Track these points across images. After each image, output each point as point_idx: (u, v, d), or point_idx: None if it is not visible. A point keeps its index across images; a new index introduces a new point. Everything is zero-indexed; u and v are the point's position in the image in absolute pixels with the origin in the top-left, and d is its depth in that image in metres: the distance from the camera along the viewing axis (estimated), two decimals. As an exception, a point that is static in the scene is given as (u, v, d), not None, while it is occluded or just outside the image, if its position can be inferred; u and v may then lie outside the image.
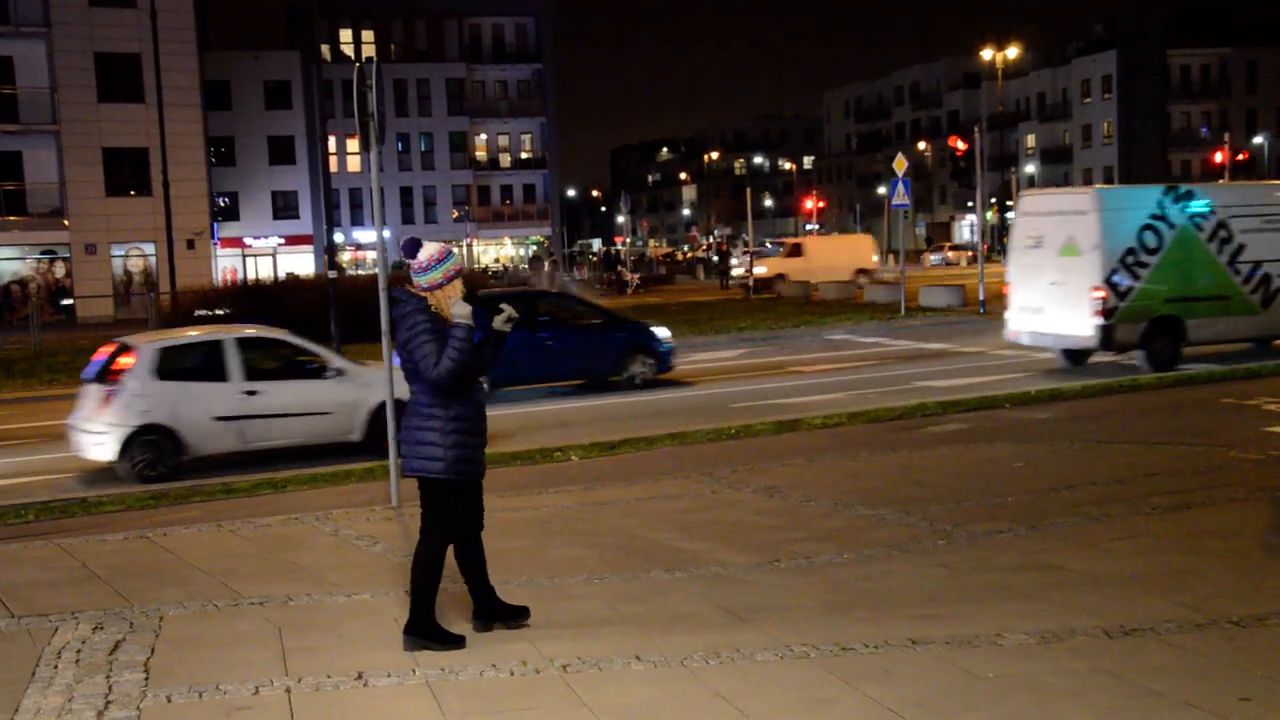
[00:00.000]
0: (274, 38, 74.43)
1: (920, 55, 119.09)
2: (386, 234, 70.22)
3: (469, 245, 75.56)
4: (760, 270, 47.50)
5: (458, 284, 6.41)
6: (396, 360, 7.24)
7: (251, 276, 58.80)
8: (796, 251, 49.98)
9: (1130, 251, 17.98)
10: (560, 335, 19.59)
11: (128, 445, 13.38)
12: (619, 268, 57.14)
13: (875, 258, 49.38)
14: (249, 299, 31.11)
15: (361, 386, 14.47)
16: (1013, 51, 73.57)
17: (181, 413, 13.60)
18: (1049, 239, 18.82)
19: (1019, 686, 5.70)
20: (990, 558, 8.06)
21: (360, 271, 61.50)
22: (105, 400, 13.50)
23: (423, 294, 6.39)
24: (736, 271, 51.42)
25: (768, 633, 6.63)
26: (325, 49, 71.80)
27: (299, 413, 14.25)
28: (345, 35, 74.99)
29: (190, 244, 47.31)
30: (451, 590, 7.23)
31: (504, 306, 6.48)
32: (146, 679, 6.22)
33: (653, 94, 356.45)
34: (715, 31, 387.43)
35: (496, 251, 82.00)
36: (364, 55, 69.55)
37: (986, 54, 72.47)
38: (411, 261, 6.43)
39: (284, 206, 71.26)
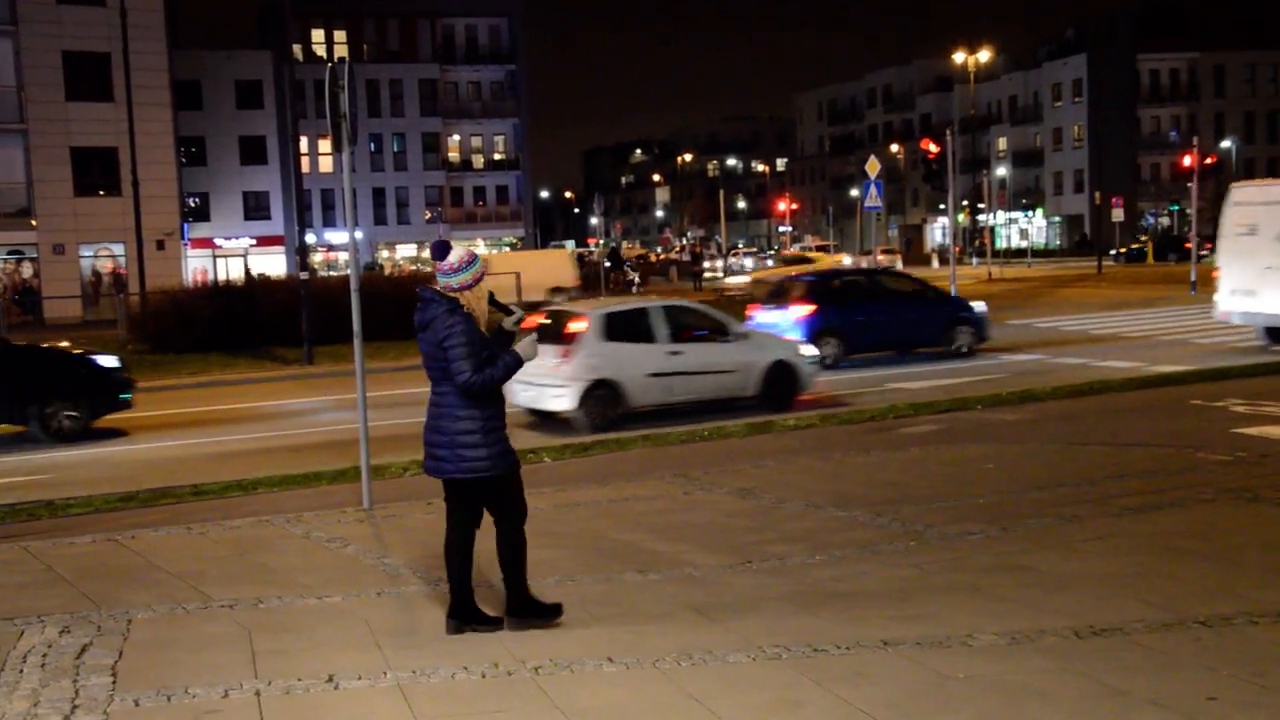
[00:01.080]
0: (245, 37, 74.28)
1: (893, 58, 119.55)
2: (358, 235, 69.95)
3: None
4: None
5: (485, 285, 6.54)
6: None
7: (222, 277, 58.50)
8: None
9: None
10: (899, 308, 22.60)
11: (584, 397, 15.48)
12: (625, 267, 58.40)
13: (573, 274, 46.34)
14: (220, 300, 30.92)
15: (756, 349, 16.88)
16: (984, 55, 73.96)
17: (623, 369, 15.76)
18: (1264, 227, 20.62)
19: (989, 687, 5.72)
20: (961, 559, 8.09)
21: (332, 273, 61.33)
22: (563, 358, 15.49)
23: (453, 294, 6.48)
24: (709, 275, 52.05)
25: (740, 634, 6.64)
26: (297, 49, 71.49)
27: (711, 371, 16.44)
28: (318, 35, 74.69)
29: (160, 245, 47.01)
30: (433, 590, 7.20)
31: (514, 309, 6.78)
32: (114, 683, 6.17)
33: (626, 96, 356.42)
34: (688, 33, 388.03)
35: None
36: (336, 55, 69.38)
37: (958, 57, 72.78)
38: (440, 263, 6.51)
39: (255, 207, 70.90)
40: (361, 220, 73.30)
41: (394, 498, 10.99)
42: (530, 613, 6.84)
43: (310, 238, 68.71)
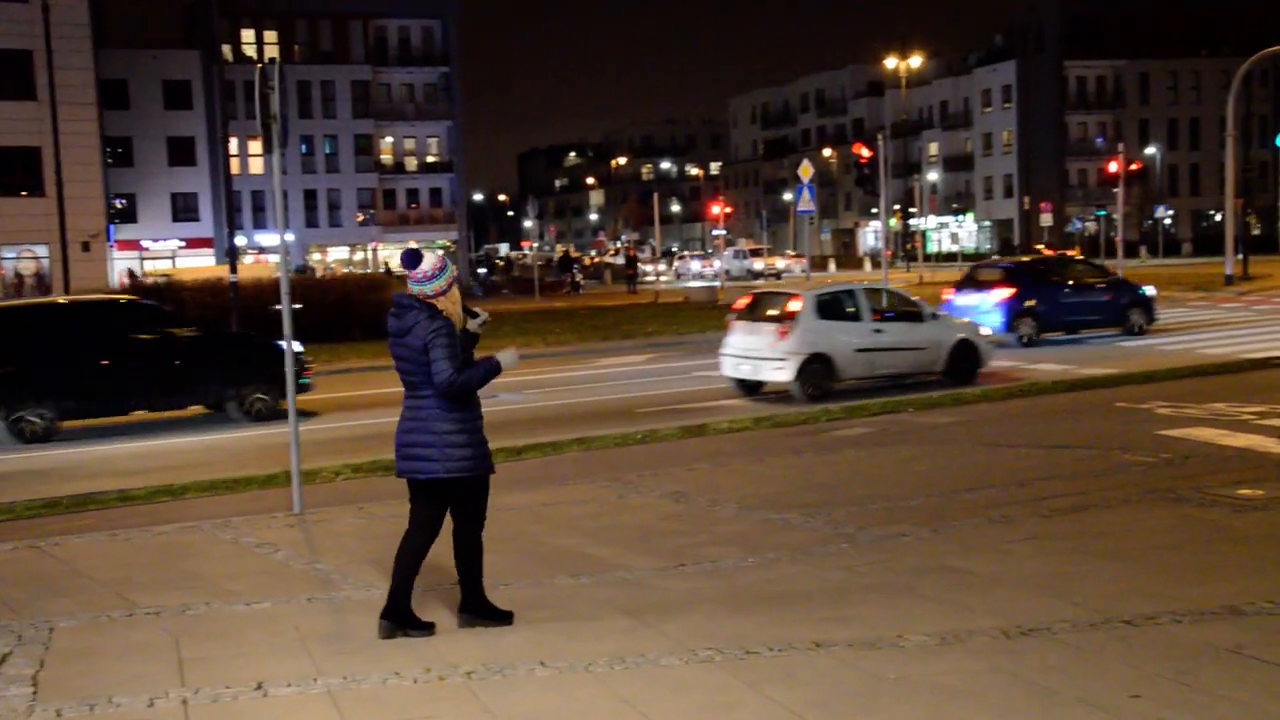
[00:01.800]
0: (173, 36, 73.00)
1: (825, 63, 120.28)
2: (289, 237, 69.27)
3: (374, 249, 74.88)
4: None
5: (456, 290, 6.73)
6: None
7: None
8: None
9: None
10: (1087, 291, 24.59)
11: (801, 370, 17.30)
12: (574, 270, 59.58)
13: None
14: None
15: (946, 329, 18.60)
16: (916, 61, 74.83)
17: (835, 344, 17.59)
18: None
19: (919, 687, 5.76)
20: (892, 560, 8.16)
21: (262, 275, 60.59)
22: (782, 335, 17.48)
23: (429, 300, 6.64)
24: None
25: (673, 637, 6.64)
26: (227, 49, 70.69)
27: (907, 348, 18.24)
28: (247, 35, 73.84)
29: (85, 246, 46.20)
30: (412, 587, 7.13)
31: (479, 312, 6.95)
32: (35, 693, 6.05)
33: (560, 99, 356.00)
34: (622, 36, 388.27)
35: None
36: (267, 56, 68.51)
37: (890, 63, 73.59)
38: (412, 271, 6.66)
39: (184, 208, 69.97)
40: (293, 222, 72.62)
41: (325, 503, 10.89)
42: (486, 615, 6.94)
43: (240, 240, 67.95)
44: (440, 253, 6.93)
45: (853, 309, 18.04)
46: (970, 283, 25.30)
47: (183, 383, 17.41)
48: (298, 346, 17.56)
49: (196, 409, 18.09)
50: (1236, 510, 9.14)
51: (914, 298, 19.49)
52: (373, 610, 7.41)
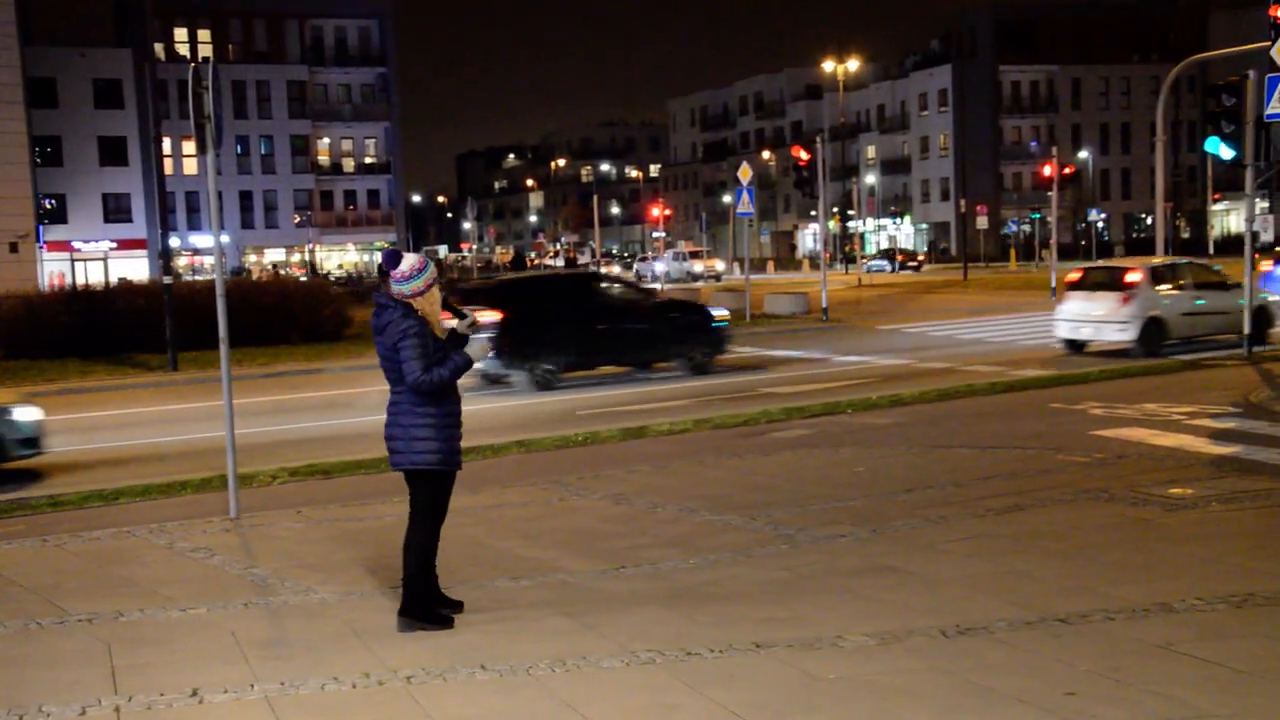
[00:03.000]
0: (103, 34, 72.00)
1: (764, 66, 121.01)
2: (224, 239, 68.48)
3: (311, 251, 74.23)
4: None
5: (436, 291, 6.86)
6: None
7: (81, 281, 56.78)
8: None
9: None
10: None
11: (1142, 331, 20.65)
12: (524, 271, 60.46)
13: None
14: (78, 304, 29.93)
15: (1242, 295, 20.46)
16: (853, 65, 75.45)
17: (1167, 309, 20.93)
18: None
19: (859, 687, 5.80)
20: (832, 561, 8.20)
21: (198, 277, 59.89)
22: (1124, 301, 20.76)
23: (406, 300, 6.79)
24: None
25: (614, 639, 6.64)
26: (159, 47, 69.71)
27: (1218, 312, 21.36)
28: (180, 34, 72.93)
29: (13, 247, 45.43)
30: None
31: (467, 312, 7.10)
32: (-36, 703, 5.93)
33: (499, 100, 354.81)
34: (561, 38, 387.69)
35: (340, 257, 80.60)
36: (200, 55, 67.77)
37: (828, 66, 74.09)
38: (392, 272, 6.83)
39: (116, 209, 68.98)
40: (228, 224, 71.81)
41: (262, 506, 10.77)
42: (422, 617, 6.96)
43: (174, 241, 67.08)
44: (422, 255, 7.02)
45: (1178, 279, 21.28)
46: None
47: (649, 341, 20.99)
48: (724, 313, 22.50)
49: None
50: (1168, 509, 9.29)
51: (1220, 270, 22.73)
52: (311, 615, 7.36)
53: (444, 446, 6.88)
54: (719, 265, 73.05)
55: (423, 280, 6.77)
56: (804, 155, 36.17)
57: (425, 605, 6.97)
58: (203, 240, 71.84)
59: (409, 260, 6.84)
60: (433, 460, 6.87)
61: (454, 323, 7.03)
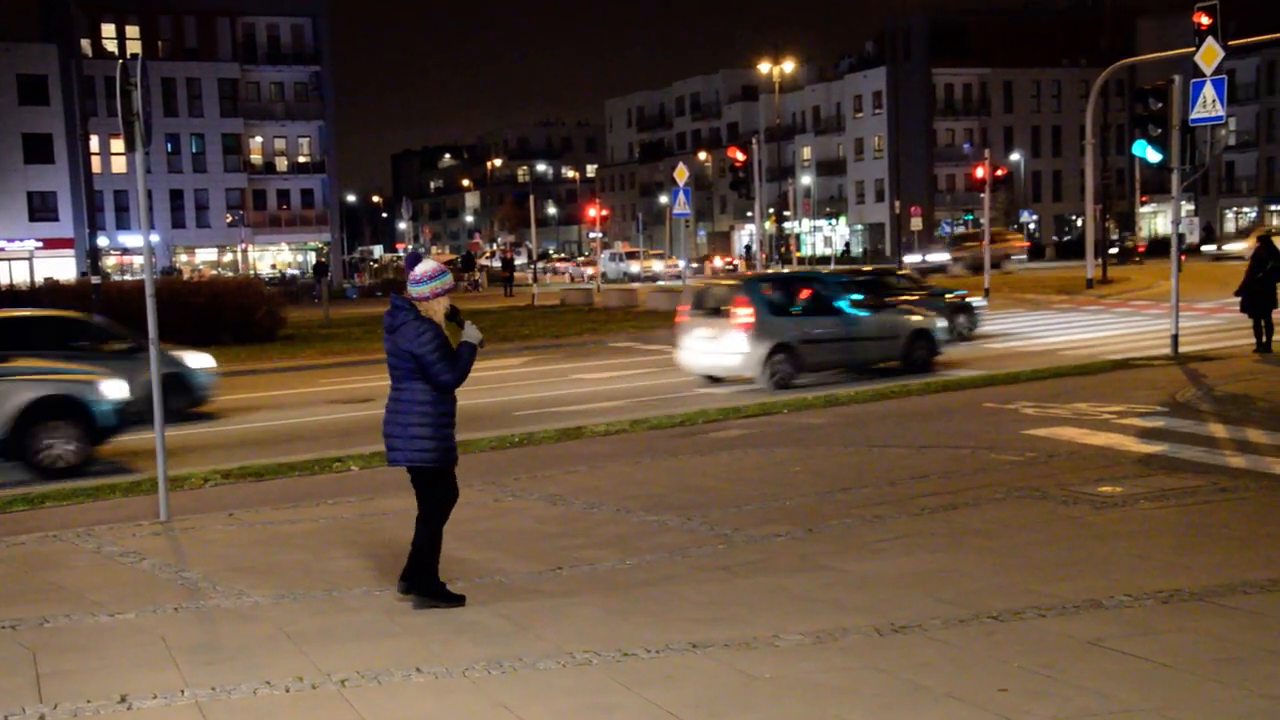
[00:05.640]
0: (28, 29, 70.64)
1: (700, 67, 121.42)
2: (154, 238, 67.52)
3: (244, 251, 73.37)
4: None
5: (444, 299, 7.19)
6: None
7: (5, 281, 55.73)
8: None
9: None
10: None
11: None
12: (475, 270, 60.78)
13: None
14: (3, 304, 29.32)
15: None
16: (789, 66, 75.76)
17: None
18: None
19: (795, 685, 5.83)
20: (768, 560, 8.24)
21: (127, 277, 59.00)
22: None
23: (415, 303, 7.14)
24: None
25: (550, 640, 6.62)
26: (86, 44, 68.66)
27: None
28: (108, 30, 71.72)
29: (-65, 246, 44.43)
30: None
31: (468, 324, 7.34)
32: (-116, 712, 5.79)
33: (434, 99, 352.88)
34: (496, 38, 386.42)
35: (274, 257, 79.74)
36: (129, 51, 66.68)
37: (764, 68, 74.37)
38: (411, 273, 7.18)
39: (41, 208, 67.75)
40: (158, 223, 70.77)
41: (193, 509, 10.62)
42: (437, 595, 7.32)
43: (103, 241, 66.02)
44: (441, 264, 7.32)
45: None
46: None
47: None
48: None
49: None
50: (1098, 507, 9.42)
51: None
52: (243, 618, 7.27)
53: (440, 445, 7.17)
54: (656, 265, 72.37)
55: (430, 288, 7.11)
56: (740, 156, 36.29)
57: (439, 584, 7.35)
58: (132, 240, 70.76)
59: (427, 264, 7.19)
60: (429, 458, 7.17)
61: (468, 334, 7.29)
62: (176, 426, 15.73)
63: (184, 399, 17.80)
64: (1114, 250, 62.73)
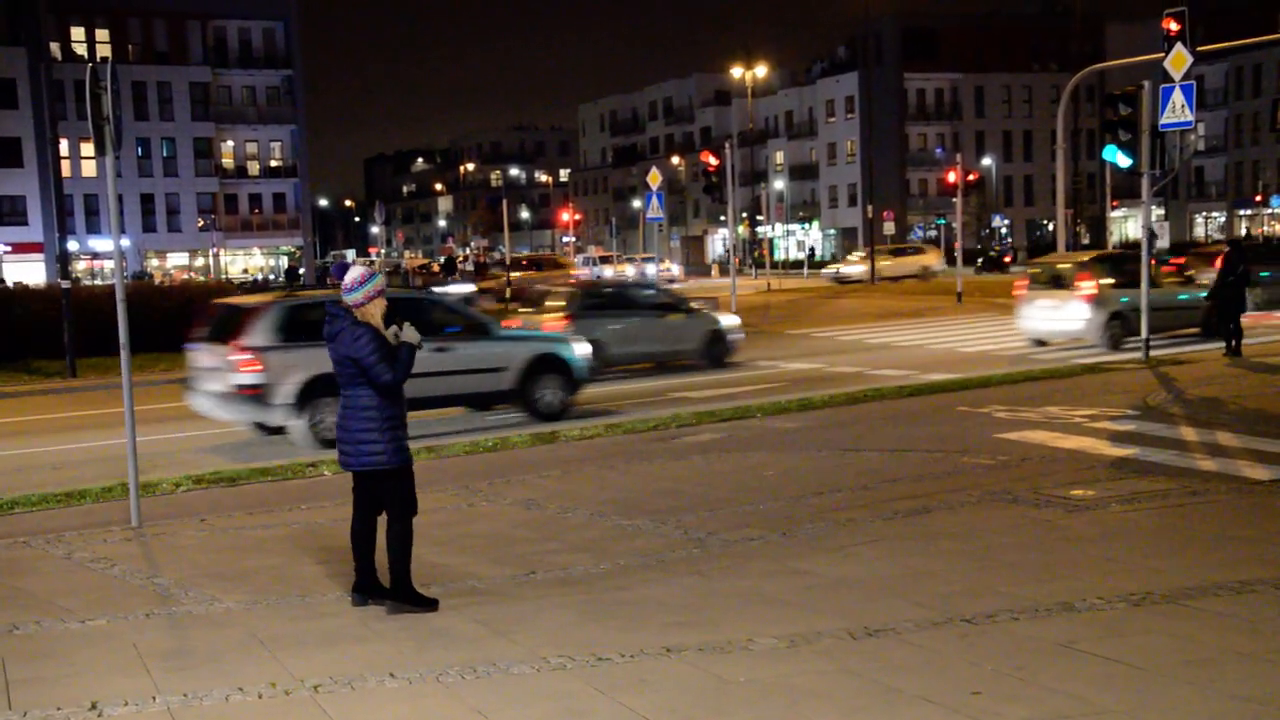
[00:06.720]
0: (-4, 32, 69.97)
1: (673, 71, 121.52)
2: (125, 243, 67.10)
3: (215, 256, 72.98)
4: None
5: (380, 301, 7.27)
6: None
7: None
8: None
9: None
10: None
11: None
12: (457, 274, 61.85)
13: None
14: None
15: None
16: (761, 71, 75.85)
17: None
18: None
19: (769, 689, 5.84)
20: (742, 564, 8.25)
21: (98, 282, 58.60)
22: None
23: (352, 309, 7.24)
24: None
25: (524, 645, 6.61)
26: (55, 46, 68.17)
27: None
28: (77, 33, 71.18)
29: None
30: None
31: (406, 325, 7.41)
32: None
33: (407, 104, 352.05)
34: (468, 42, 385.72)
35: (245, 262, 79.33)
36: (99, 55, 66.23)
37: (736, 72, 74.48)
38: (341, 282, 7.29)
39: (10, 212, 67.25)
40: (129, 227, 70.33)
41: (165, 515, 10.56)
42: (409, 600, 7.33)
43: (73, 245, 65.53)
44: (370, 268, 7.52)
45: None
46: None
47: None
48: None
49: None
50: (1069, 510, 9.48)
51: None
52: (215, 624, 7.23)
53: (389, 447, 7.24)
54: (629, 269, 72.38)
55: (362, 293, 7.19)
56: (713, 161, 36.33)
57: (410, 589, 7.36)
58: (103, 244, 70.24)
59: (353, 272, 7.28)
60: (380, 461, 7.24)
61: (408, 335, 7.34)
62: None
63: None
64: (980, 260, 63.75)
